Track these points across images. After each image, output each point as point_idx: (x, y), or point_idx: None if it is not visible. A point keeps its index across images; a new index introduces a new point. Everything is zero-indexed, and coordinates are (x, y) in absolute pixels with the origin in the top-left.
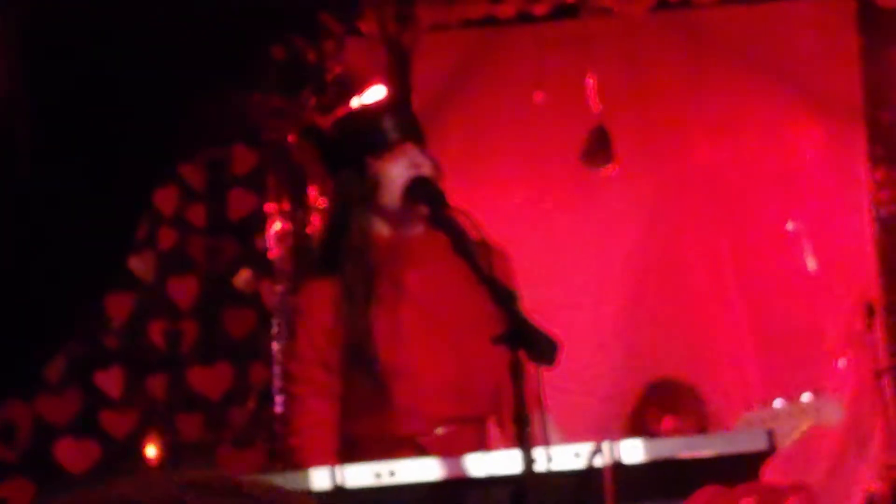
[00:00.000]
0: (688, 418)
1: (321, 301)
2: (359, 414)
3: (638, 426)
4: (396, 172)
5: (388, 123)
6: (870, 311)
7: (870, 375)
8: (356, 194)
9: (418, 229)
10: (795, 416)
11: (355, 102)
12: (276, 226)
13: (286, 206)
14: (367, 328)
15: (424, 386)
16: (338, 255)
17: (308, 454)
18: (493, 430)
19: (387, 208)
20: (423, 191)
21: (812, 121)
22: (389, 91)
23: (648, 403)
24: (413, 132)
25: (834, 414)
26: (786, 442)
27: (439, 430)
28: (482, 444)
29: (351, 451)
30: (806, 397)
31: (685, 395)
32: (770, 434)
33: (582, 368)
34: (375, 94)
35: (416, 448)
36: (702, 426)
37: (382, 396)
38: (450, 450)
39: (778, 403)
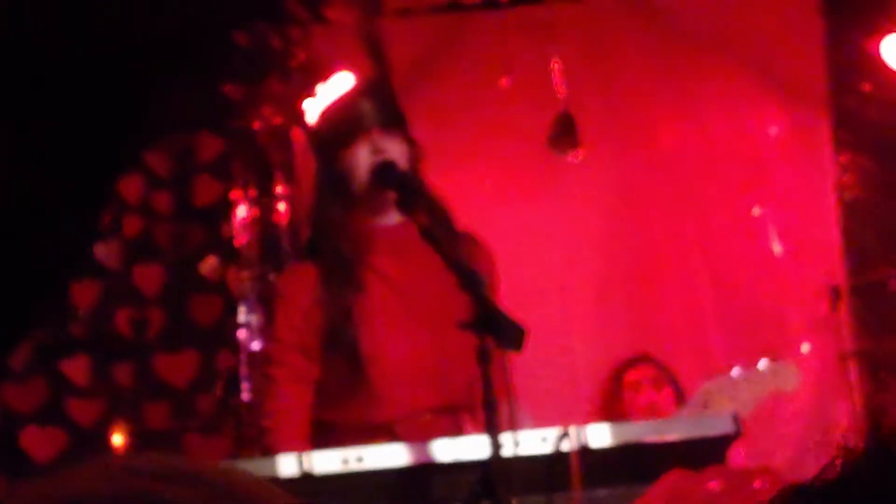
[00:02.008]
0: (661, 391)
1: (301, 285)
2: (334, 400)
3: (612, 406)
4: (361, 161)
5: (351, 113)
6: (835, 295)
7: (834, 359)
8: (328, 184)
9: (394, 216)
10: (754, 384)
11: (320, 90)
12: (242, 212)
13: (252, 192)
14: (345, 314)
15: (401, 373)
16: (317, 244)
17: (279, 438)
18: (467, 420)
19: (360, 197)
20: (387, 177)
21: (776, 105)
22: (357, 78)
23: (620, 383)
24: (379, 118)
25: (790, 379)
26: (747, 409)
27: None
28: (458, 433)
29: (325, 438)
30: (762, 364)
31: (656, 370)
32: (736, 417)
33: (551, 354)
34: (341, 82)
35: (391, 436)
36: (678, 397)
37: (359, 383)
38: (426, 439)
39: (735, 372)
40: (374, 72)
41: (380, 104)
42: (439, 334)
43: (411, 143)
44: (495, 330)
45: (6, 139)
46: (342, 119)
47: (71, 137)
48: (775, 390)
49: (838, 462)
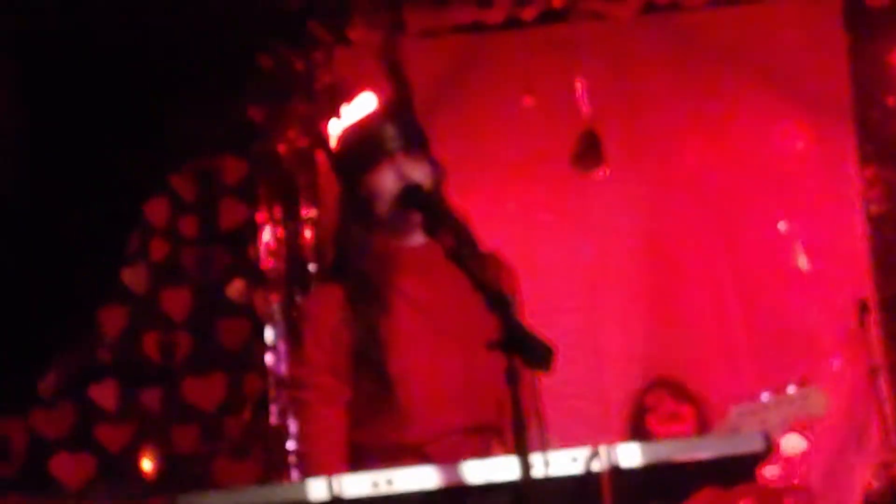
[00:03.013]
0: (688, 416)
1: (328, 306)
2: (363, 422)
3: (637, 428)
4: (386, 185)
5: (374, 137)
6: (863, 309)
7: (865, 373)
8: (353, 210)
9: (419, 237)
10: (783, 408)
11: (344, 112)
12: (268, 235)
13: (277, 215)
14: (373, 335)
15: (429, 393)
16: (342, 266)
17: (316, 461)
18: (495, 441)
19: (384, 220)
20: (414, 199)
21: (801, 120)
22: (380, 100)
23: (646, 405)
24: (402, 141)
25: (820, 404)
26: (776, 434)
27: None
28: (488, 454)
29: (355, 460)
30: (791, 389)
31: (682, 393)
32: (767, 436)
33: (578, 373)
34: (365, 103)
35: (421, 456)
36: (702, 423)
37: (388, 404)
38: (456, 459)
39: (765, 397)
40: (394, 93)
41: (402, 127)
42: (467, 354)
43: (434, 163)
44: (524, 350)
45: (33, 165)
46: (365, 143)
47: (97, 162)
48: (805, 415)
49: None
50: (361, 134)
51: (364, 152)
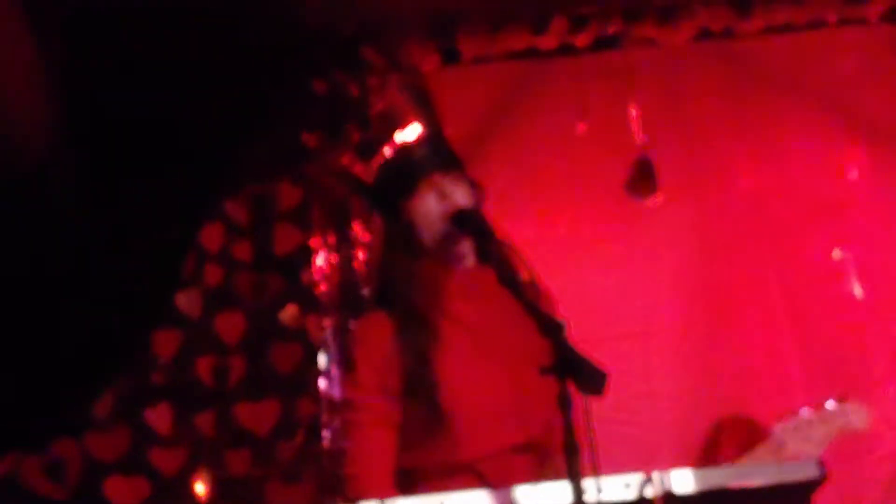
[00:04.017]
0: None
1: (380, 329)
2: (416, 446)
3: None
4: (429, 207)
5: (409, 162)
6: None
7: None
8: (397, 241)
9: (469, 261)
10: (824, 424)
11: (398, 138)
12: (321, 260)
13: (331, 240)
14: (424, 359)
15: (481, 414)
16: (388, 294)
17: (366, 483)
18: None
19: (430, 245)
20: (466, 224)
21: (856, 146)
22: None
23: (719, 443)
24: (437, 161)
25: (861, 418)
26: (818, 450)
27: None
28: (541, 471)
29: (409, 484)
30: (831, 405)
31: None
32: (821, 463)
33: (630, 398)
34: (413, 130)
35: (474, 475)
36: None
37: (440, 427)
38: (509, 477)
39: (805, 412)
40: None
41: (433, 148)
42: (517, 376)
43: (473, 184)
44: (576, 374)
45: (91, 189)
46: (400, 170)
47: (153, 188)
48: (846, 429)
49: None
50: (394, 162)
51: (401, 179)
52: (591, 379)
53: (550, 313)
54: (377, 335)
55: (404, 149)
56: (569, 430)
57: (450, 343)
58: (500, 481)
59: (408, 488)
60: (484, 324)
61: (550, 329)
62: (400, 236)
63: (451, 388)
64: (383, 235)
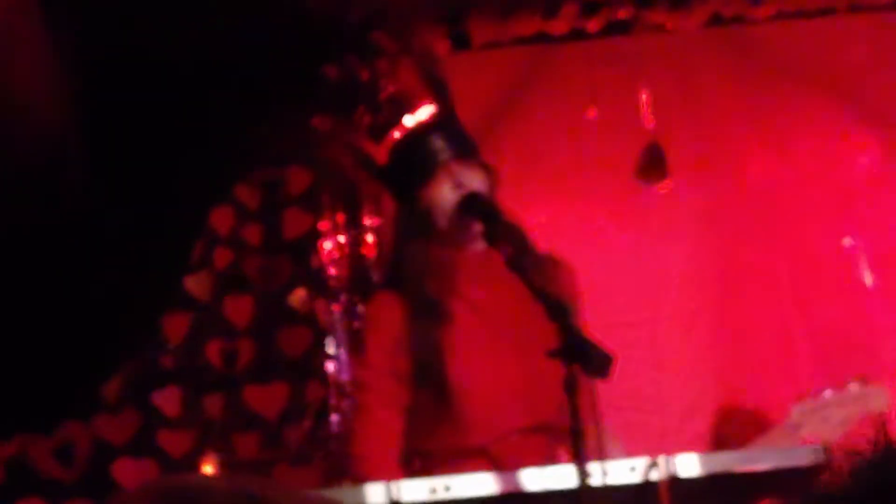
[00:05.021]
0: None
1: (390, 311)
2: (425, 429)
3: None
4: (445, 195)
5: (425, 150)
6: None
7: None
8: (410, 225)
9: (479, 245)
10: (845, 405)
11: (408, 121)
12: (331, 245)
13: (340, 224)
14: (433, 342)
15: (491, 397)
16: (400, 277)
17: (370, 464)
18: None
19: (443, 231)
20: (474, 208)
21: (867, 135)
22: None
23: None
24: (453, 149)
25: (881, 400)
26: (839, 431)
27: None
28: (552, 452)
29: (417, 466)
30: (853, 387)
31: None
32: (826, 448)
33: (638, 385)
34: (424, 113)
35: (484, 458)
36: None
37: (449, 409)
38: (519, 460)
39: (827, 394)
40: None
41: (450, 135)
42: (527, 359)
43: (487, 168)
44: (582, 358)
45: (99, 173)
46: (416, 157)
47: (163, 171)
48: (866, 411)
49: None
50: (411, 149)
51: (417, 166)
52: (598, 362)
53: (565, 287)
54: (389, 316)
55: (420, 135)
56: (574, 413)
57: (460, 326)
58: (509, 464)
59: (418, 470)
60: (494, 307)
61: (557, 312)
62: (413, 220)
63: (461, 370)
64: (397, 219)
